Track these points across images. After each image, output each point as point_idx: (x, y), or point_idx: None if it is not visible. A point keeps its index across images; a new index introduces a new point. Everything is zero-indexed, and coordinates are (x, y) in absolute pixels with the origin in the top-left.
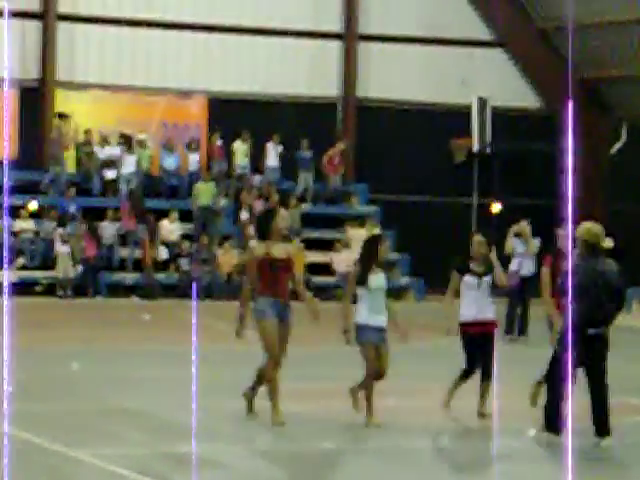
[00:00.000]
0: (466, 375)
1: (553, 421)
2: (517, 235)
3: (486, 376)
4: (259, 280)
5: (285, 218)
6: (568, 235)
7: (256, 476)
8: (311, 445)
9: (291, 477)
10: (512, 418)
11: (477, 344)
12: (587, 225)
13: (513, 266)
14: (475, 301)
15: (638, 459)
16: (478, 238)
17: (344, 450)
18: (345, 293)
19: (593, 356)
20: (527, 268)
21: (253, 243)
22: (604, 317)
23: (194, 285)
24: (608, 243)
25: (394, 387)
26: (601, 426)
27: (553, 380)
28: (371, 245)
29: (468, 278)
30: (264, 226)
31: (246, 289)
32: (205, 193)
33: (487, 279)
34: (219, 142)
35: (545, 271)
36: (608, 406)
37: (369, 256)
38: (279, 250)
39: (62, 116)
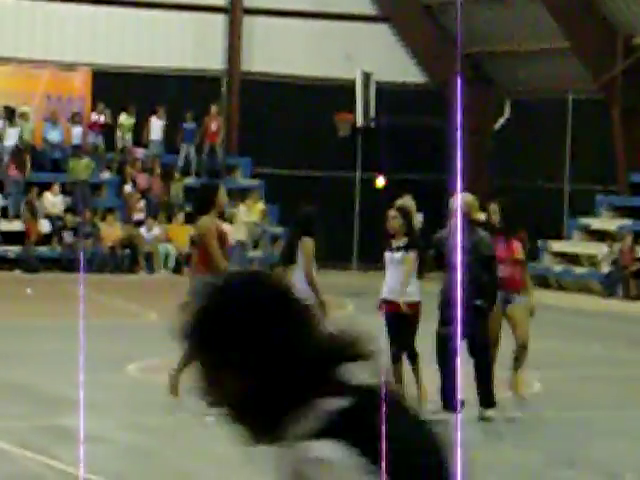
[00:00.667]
0: (392, 359)
1: (448, 399)
2: None
3: (410, 360)
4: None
5: (224, 194)
6: (457, 210)
7: (136, 449)
8: (190, 419)
9: (172, 450)
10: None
11: (389, 324)
12: (461, 196)
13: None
14: (388, 278)
15: (514, 432)
16: (391, 212)
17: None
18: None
19: (474, 329)
20: None
21: (206, 219)
22: (480, 288)
23: (81, 258)
24: (480, 216)
25: None
26: (485, 397)
27: (442, 358)
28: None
29: (385, 253)
30: (207, 200)
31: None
32: (80, 169)
33: (398, 256)
34: (103, 115)
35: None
36: (492, 378)
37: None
38: (221, 225)
39: None
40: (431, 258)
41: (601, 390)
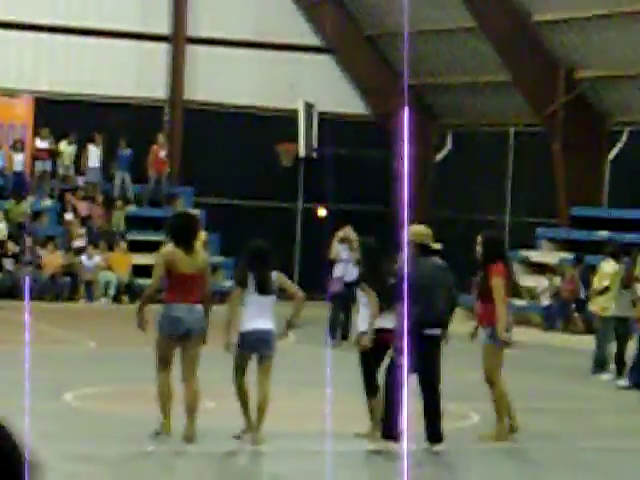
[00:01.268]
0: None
1: (390, 429)
2: (342, 241)
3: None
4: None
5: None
6: (404, 240)
7: (76, 478)
8: (129, 448)
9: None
10: (336, 423)
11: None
12: (416, 227)
13: (337, 272)
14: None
15: (465, 464)
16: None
17: (163, 454)
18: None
19: (426, 360)
20: (351, 274)
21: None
22: (438, 318)
23: (26, 285)
24: (437, 245)
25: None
26: (433, 433)
27: (389, 387)
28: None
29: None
30: (190, 233)
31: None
32: (17, 213)
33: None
34: (44, 143)
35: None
36: (440, 413)
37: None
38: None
39: None
40: (392, 287)
41: (540, 423)
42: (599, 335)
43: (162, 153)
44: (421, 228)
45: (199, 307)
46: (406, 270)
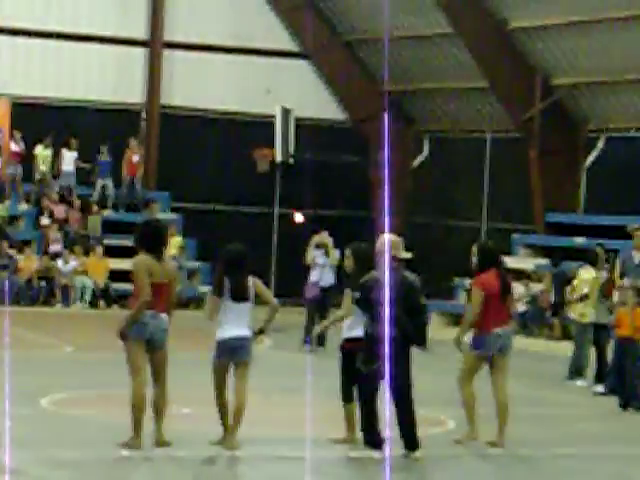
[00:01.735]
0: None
1: (370, 436)
2: (318, 246)
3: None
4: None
5: None
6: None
7: None
8: (105, 453)
9: None
10: (312, 428)
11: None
12: (383, 236)
13: (313, 277)
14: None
15: (440, 470)
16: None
17: (139, 459)
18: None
19: (396, 370)
20: (327, 279)
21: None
22: (402, 330)
23: (6, 289)
24: (405, 255)
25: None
26: (410, 440)
27: (364, 396)
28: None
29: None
30: (160, 241)
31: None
32: None
33: None
34: (20, 146)
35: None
36: (415, 420)
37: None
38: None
39: None
40: (356, 301)
41: (519, 429)
42: (577, 341)
43: (135, 157)
44: (389, 237)
45: (164, 315)
46: (371, 285)
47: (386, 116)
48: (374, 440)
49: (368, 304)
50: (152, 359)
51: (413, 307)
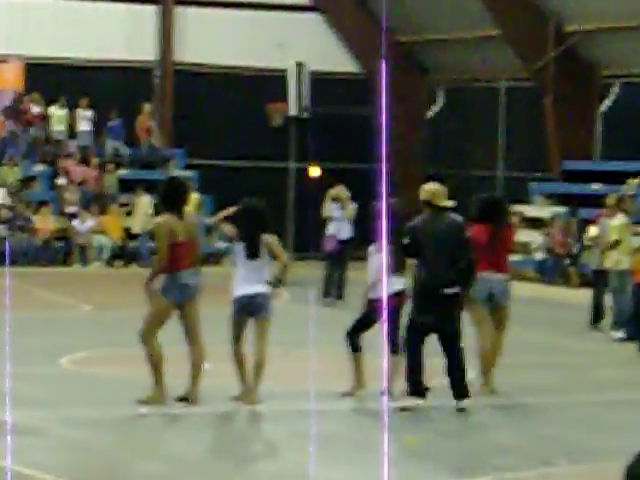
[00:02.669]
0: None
1: (414, 386)
2: (334, 199)
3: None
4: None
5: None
6: (382, 199)
7: (72, 443)
8: (126, 411)
9: (107, 444)
10: (330, 382)
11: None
12: (427, 186)
13: (331, 230)
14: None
15: (457, 420)
16: None
17: (160, 416)
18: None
19: (445, 318)
20: (345, 232)
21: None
22: (452, 277)
23: (6, 249)
24: (448, 203)
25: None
26: (459, 389)
27: (409, 345)
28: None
29: None
30: (181, 198)
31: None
32: (9, 176)
33: None
34: (36, 108)
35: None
36: (464, 368)
37: None
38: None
39: None
40: (404, 246)
41: (536, 377)
42: (616, 290)
43: (149, 123)
44: (431, 186)
45: (194, 271)
46: (418, 229)
47: (384, 64)
48: (419, 390)
49: (416, 249)
50: (184, 316)
51: (462, 249)
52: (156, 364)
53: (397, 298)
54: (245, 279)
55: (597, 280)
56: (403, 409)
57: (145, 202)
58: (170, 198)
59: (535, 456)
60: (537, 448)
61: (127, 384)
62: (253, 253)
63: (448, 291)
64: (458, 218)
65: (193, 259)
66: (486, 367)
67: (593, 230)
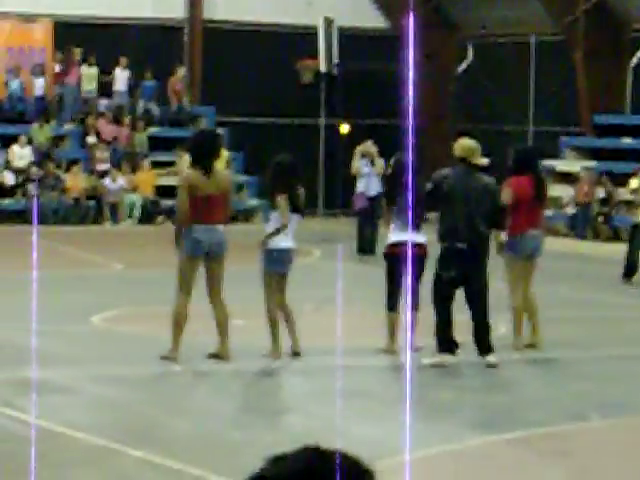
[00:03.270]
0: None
1: (443, 342)
2: (363, 156)
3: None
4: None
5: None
6: (408, 154)
7: (104, 401)
8: (156, 369)
9: (136, 401)
10: (363, 338)
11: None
12: (461, 141)
13: (360, 187)
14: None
15: (490, 374)
16: None
17: (190, 373)
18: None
19: (469, 273)
20: (374, 188)
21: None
22: (474, 233)
23: (34, 207)
24: (482, 161)
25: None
26: (482, 344)
27: (436, 300)
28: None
29: None
30: (210, 151)
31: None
32: (41, 135)
33: None
34: (64, 67)
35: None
36: (488, 323)
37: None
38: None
39: None
40: (426, 193)
41: (568, 332)
42: None
43: (179, 85)
44: (465, 142)
45: (220, 227)
46: (448, 182)
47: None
48: (449, 346)
49: (438, 199)
50: (208, 275)
51: (488, 208)
52: (176, 322)
53: (418, 249)
54: (285, 232)
55: (634, 235)
56: (433, 365)
57: (186, 161)
58: (197, 152)
59: (567, 411)
60: (569, 403)
61: (158, 342)
62: (295, 206)
63: (461, 246)
64: (493, 182)
65: (220, 214)
66: (520, 324)
67: (634, 182)
